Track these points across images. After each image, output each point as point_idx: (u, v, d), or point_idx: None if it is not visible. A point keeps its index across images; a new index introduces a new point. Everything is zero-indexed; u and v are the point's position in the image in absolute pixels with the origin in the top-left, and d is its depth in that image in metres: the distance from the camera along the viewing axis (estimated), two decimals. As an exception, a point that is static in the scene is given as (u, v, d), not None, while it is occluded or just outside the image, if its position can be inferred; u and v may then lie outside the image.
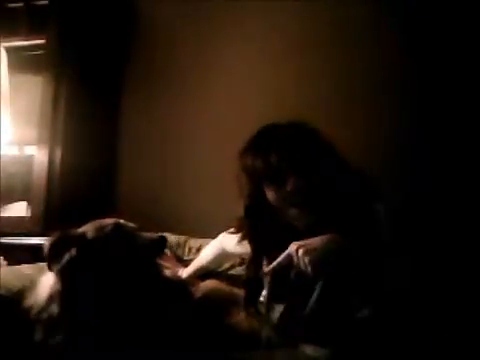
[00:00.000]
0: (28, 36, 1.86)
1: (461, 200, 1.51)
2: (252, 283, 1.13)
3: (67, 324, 0.97)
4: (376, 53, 1.72)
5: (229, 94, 1.87)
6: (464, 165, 1.55)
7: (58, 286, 0.99)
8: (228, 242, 1.32)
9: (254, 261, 1.15)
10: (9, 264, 1.55)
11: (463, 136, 1.58)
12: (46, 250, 1.02)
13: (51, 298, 0.99)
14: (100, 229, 1.05)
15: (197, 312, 1.08)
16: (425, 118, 1.63)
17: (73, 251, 1.00)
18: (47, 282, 1.02)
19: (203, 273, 1.40)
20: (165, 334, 0.98)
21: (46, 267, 1.29)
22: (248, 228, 1.16)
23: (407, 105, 1.66)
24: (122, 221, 1.09)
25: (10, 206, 1.82)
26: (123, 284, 1.00)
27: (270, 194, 1.08)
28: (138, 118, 1.98)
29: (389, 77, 1.69)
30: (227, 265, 1.45)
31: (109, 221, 1.07)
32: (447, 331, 0.93)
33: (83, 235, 1.04)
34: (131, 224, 1.10)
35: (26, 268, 1.30)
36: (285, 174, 1.05)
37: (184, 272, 1.42)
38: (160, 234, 1.11)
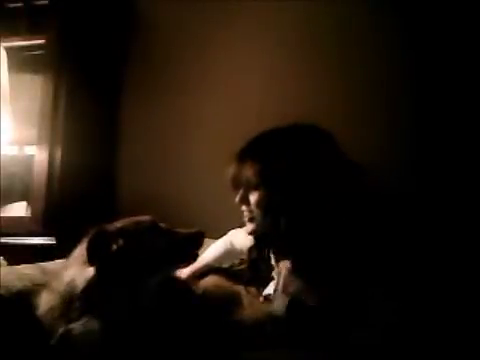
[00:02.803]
0: (28, 36, 1.86)
1: (462, 202, 1.51)
2: (255, 264, 1.21)
3: (101, 314, 0.98)
4: (376, 52, 1.72)
5: (229, 94, 1.87)
6: (465, 167, 1.55)
7: (96, 278, 1.00)
8: (238, 237, 1.37)
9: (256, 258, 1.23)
10: (9, 264, 1.54)
11: (465, 137, 1.58)
12: (87, 244, 1.03)
13: (86, 289, 1.00)
14: (139, 223, 1.09)
15: (198, 310, 1.08)
16: (426, 118, 1.63)
17: (120, 241, 1.03)
18: (75, 276, 1.02)
19: (205, 271, 1.41)
20: (167, 333, 0.99)
21: (47, 267, 1.30)
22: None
23: (407, 105, 1.66)
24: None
25: (10, 206, 1.82)
26: (158, 277, 1.05)
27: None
28: (138, 118, 1.98)
29: (389, 76, 1.69)
30: (227, 265, 1.46)
31: (145, 217, 1.12)
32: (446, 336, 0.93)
33: (124, 228, 1.07)
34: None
35: (26, 268, 1.30)
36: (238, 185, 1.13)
37: (183, 272, 1.42)
38: (197, 229, 1.17)
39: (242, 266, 1.42)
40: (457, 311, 0.98)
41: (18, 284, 1.17)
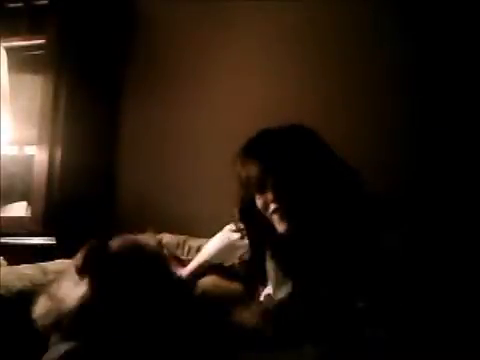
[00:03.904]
0: (28, 36, 1.86)
1: (463, 203, 1.51)
2: (252, 279, 1.18)
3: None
4: (376, 51, 1.72)
5: (229, 94, 1.87)
6: (467, 166, 1.55)
7: (88, 297, 0.96)
8: (235, 232, 1.36)
9: (253, 258, 1.20)
10: (9, 264, 1.54)
11: (466, 136, 1.58)
12: (86, 255, 0.99)
13: (77, 311, 0.95)
14: (142, 249, 1.04)
15: (197, 310, 1.08)
16: (426, 118, 1.63)
17: (119, 262, 0.99)
18: (67, 293, 0.99)
19: (206, 267, 1.41)
20: (166, 333, 0.98)
21: (47, 267, 1.30)
22: (245, 228, 1.21)
23: (408, 105, 1.66)
24: (160, 248, 1.10)
25: (10, 206, 1.82)
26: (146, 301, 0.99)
27: (257, 200, 1.12)
28: (138, 118, 1.98)
29: (389, 76, 1.69)
30: (224, 261, 1.46)
31: (149, 241, 1.07)
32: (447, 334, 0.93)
33: (125, 250, 1.02)
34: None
35: (26, 268, 1.30)
36: (267, 183, 1.09)
37: (184, 271, 1.43)
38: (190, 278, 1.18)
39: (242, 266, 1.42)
40: (456, 313, 0.98)
41: (18, 284, 1.16)
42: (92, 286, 0.95)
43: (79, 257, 1.00)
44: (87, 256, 0.99)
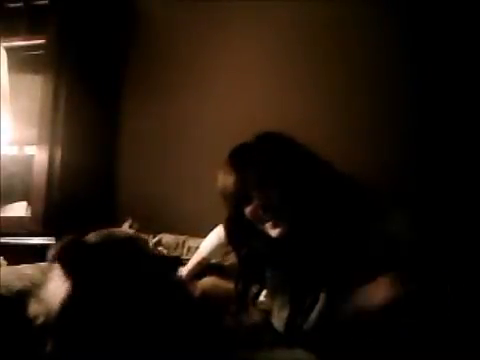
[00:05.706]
0: (28, 36, 1.86)
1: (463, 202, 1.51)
2: (242, 295, 1.18)
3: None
4: (378, 55, 1.72)
5: (229, 94, 1.87)
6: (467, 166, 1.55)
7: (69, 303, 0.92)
8: None
9: (242, 275, 1.20)
10: (9, 264, 1.55)
11: (466, 136, 1.58)
12: (60, 252, 0.96)
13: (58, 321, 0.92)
14: (117, 241, 1.02)
15: (196, 311, 1.07)
16: (427, 122, 1.63)
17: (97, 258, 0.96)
18: (50, 300, 0.96)
19: (204, 265, 1.41)
20: (164, 334, 0.98)
21: (47, 267, 1.29)
22: (233, 245, 1.22)
23: (410, 109, 1.66)
24: (134, 234, 1.08)
25: (10, 206, 1.82)
26: (130, 294, 0.95)
27: (246, 212, 1.13)
28: (138, 118, 1.98)
29: (391, 80, 1.69)
30: (227, 262, 1.46)
31: (122, 232, 1.06)
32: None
33: (101, 244, 1.00)
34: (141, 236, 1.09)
35: (26, 268, 1.30)
36: (252, 191, 1.10)
37: (183, 270, 1.43)
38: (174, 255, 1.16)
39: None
40: (456, 315, 0.98)
41: (18, 284, 1.16)
42: (71, 280, 0.92)
43: (55, 248, 0.97)
44: (63, 248, 0.96)
